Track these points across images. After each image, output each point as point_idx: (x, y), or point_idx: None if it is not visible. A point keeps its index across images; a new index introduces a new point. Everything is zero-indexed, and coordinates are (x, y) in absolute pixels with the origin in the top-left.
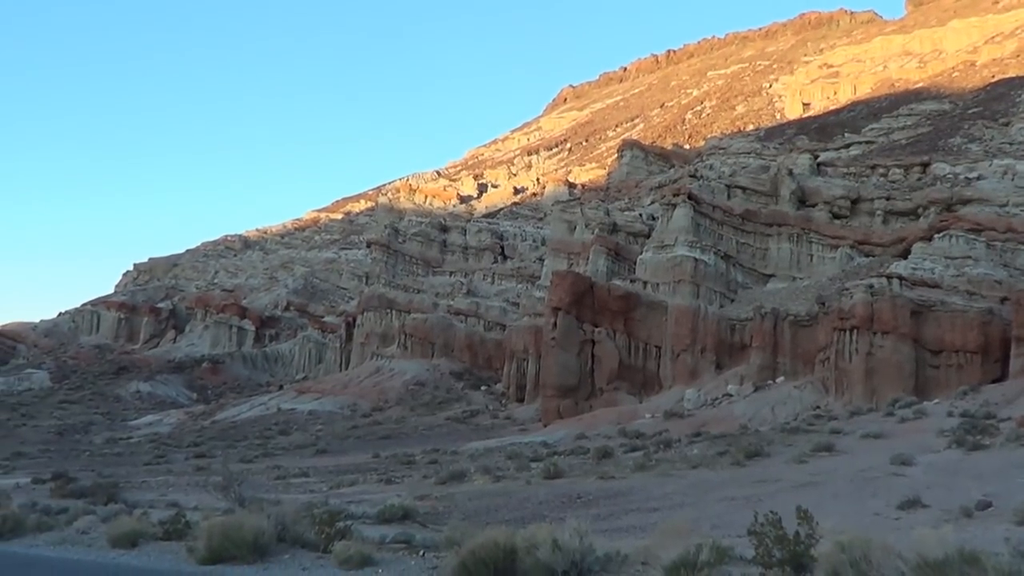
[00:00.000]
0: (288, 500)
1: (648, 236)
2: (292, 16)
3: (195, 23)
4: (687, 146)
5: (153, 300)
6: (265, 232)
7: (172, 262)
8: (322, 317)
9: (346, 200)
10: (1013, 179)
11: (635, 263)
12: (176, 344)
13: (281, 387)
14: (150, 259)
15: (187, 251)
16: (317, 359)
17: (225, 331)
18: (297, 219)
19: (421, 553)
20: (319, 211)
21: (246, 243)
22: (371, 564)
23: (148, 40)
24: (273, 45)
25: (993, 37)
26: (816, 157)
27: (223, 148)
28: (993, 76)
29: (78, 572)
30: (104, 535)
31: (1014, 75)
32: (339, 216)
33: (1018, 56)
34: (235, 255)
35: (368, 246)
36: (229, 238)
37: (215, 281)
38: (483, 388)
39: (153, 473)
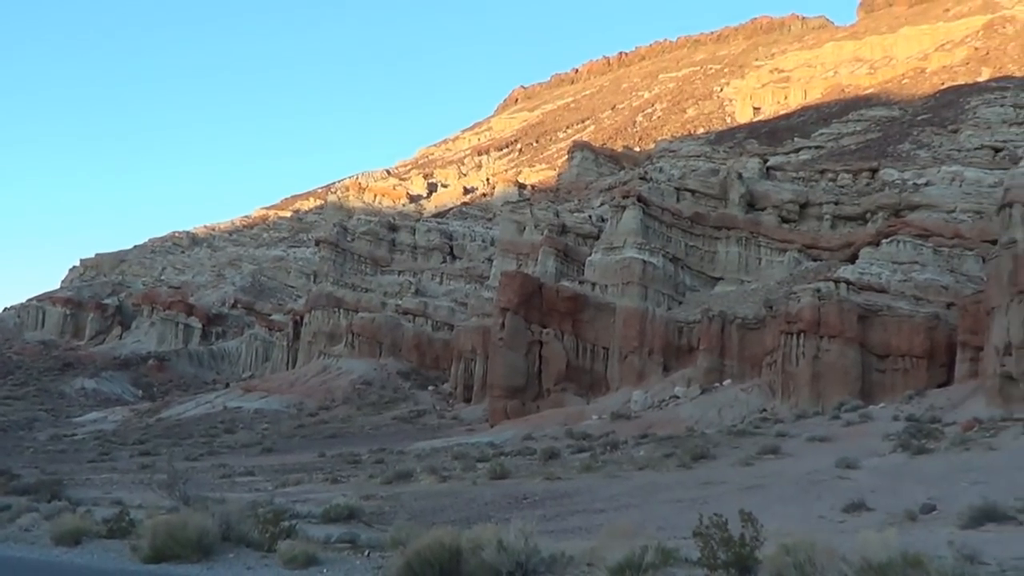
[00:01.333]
0: (233, 499)
1: (597, 238)
2: (242, 13)
3: (141, 19)
4: (637, 148)
5: (99, 296)
6: (213, 229)
7: (119, 258)
8: (269, 315)
9: (295, 198)
10: (961, 185)
11: (584, 264)
12: (122, 341)
13: (227, 385)
14: (97, 255)
15: (134, 247)
16: (264, 357)
17: (172, 328)
18: (246, 216)
19: (366, 553)
20: (268, 208)
21: (194, 240)
22: (316, 564)
23: (92, 34)
24: (222, 42)
25: (943, 45)
26: (766, 161)
27: (171, 144)
28: (943, 83)
29: (20, 570)
30: (47, 533)
31: (963, 83)
32: (288, 214)
33: (967, 64)
34: (183, 252)
35: (316, 244)
36: (177, 234)
37: (162, 278)
38: (430, 388)
39: (97, 471)
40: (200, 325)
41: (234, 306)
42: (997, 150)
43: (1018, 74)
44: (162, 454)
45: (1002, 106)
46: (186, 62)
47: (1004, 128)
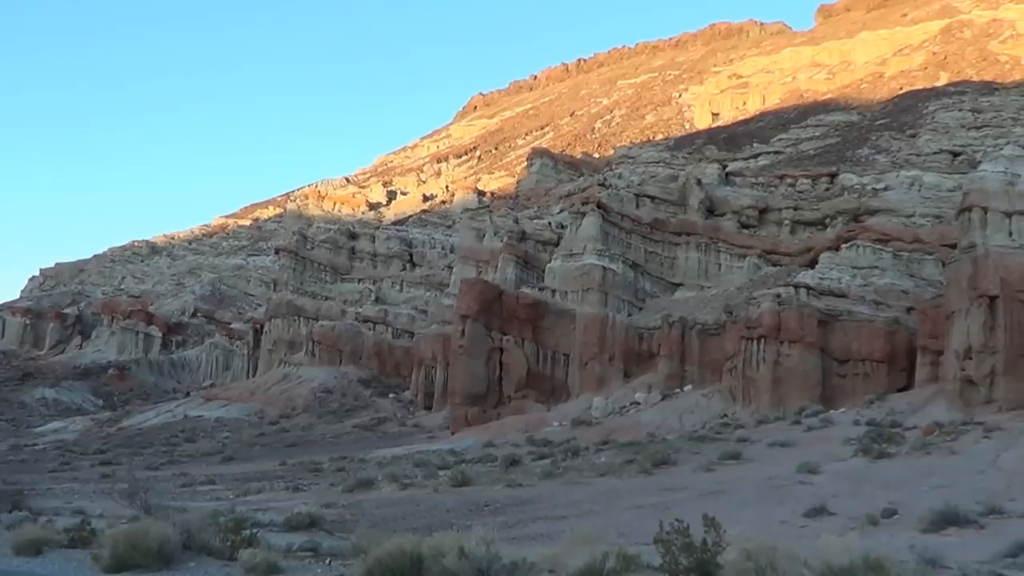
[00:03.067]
0: (194, 508)
1: (557, 244)
2: (202, 18)
3: (94, 27)
4: (596, 155)
5: (59, 306)
6: (173, 238)
7: (79, 267)
8: (230, 324)
9: (255, 206)
10: (920, 190)
11: (544, 271)
12: (82, 350)
13: (188, 394)
14: (56, 264)
15: (94, 256)
16: (224, 366)
17: (132, 337)
18: (205, 225)
19: (328, 561)
20: (227, 217)
21: (154, 249)
22: (278, 572)
23: (47, 41)
24: (181, 48)
25: (901, 50)
26: (725, 167)
27: (131, 152)
28: (901, 88)
29: None
30: (8, 542)
31: (922, 87)
32: (247, 222)
33: (925, 68)
34: (142, 261)
35: (276, 253)
36: (137, 243)
37: (122, 287)
38: (391, 396)
39: (58, 480)
40: (160, 334)
41: (194, 315)
42: (955, 154)
43: (976, 78)
44: (123, 463)
45: (960, 110)
46: (143, 70)
47: (962, 132)
